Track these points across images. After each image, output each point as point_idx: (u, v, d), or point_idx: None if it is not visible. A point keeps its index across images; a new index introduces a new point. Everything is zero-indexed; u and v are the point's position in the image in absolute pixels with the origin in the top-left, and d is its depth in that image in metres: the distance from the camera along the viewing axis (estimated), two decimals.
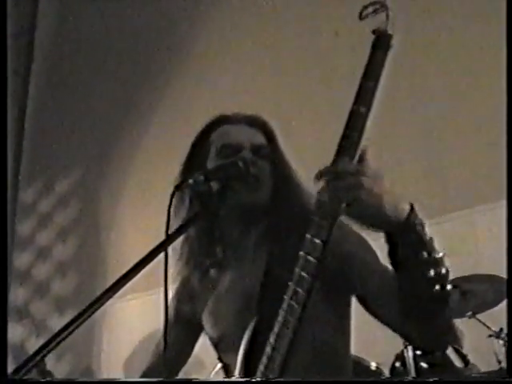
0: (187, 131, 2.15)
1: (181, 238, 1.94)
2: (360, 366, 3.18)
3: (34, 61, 6.22)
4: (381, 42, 1.57)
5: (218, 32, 5.04)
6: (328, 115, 3.71)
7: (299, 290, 1.56)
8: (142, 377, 2.13)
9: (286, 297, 1.58)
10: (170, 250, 1.69)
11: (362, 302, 1.84)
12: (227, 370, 1.97)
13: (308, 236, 1.56)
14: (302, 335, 1.58)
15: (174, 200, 1.91)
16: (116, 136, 5.46)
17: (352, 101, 1.53)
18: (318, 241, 1.54)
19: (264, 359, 1.61)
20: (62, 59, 6.12)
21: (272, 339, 1.59)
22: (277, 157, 2.04)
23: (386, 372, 3.32)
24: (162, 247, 1.63)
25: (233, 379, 1.89)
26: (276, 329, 1.59)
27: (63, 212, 5.70)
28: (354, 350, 1.93)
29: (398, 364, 3.33)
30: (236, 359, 1.84)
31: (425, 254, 1.52)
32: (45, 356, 1.40)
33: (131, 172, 5.28)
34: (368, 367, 3.26)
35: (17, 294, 5.82)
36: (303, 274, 1.55)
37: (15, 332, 5.63)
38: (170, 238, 1.68)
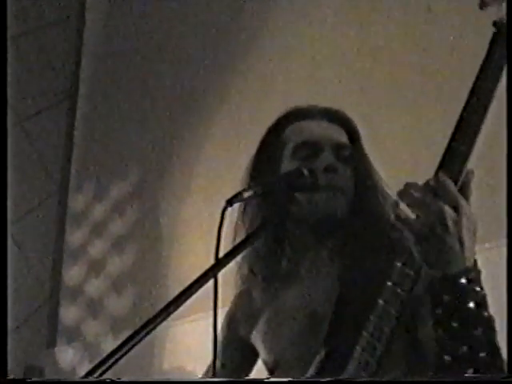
0: (259, 126, 2.09)
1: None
2: None
3: (83, 54, 6.25)
4: (503, 37, 1.47)
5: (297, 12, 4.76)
6: (424, 113, 3.56)
7: (382, 326, 1.49)
8: None
9: (365, 332, 1.51)
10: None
11: None
12: None
13: (398, 264, 1.49)
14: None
15: (240, 211, 1.96)
16: (178, 133, 5.35)
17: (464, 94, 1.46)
18: (410, 271, 1.47)
19: None
20: (115, 51, 6.08)
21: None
22: (360, 161, 1.98)
23: None
24: (212, 269, 1.62)
25: (231, 379, 1.93)
26: (351, 368, 1.53)
27: (118, 220, 5.63)
28: None
29: None
30: None
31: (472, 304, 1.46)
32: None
33: (195, 175, 5.12)
34: None
35: (67, 313, 5.78)
36: (389, 308, 1.49)
37: (66, 356, 5.58)
38: (234, 251, 1.67)
